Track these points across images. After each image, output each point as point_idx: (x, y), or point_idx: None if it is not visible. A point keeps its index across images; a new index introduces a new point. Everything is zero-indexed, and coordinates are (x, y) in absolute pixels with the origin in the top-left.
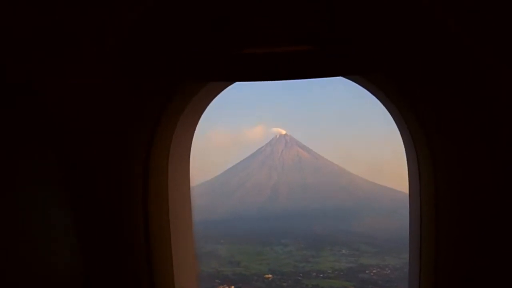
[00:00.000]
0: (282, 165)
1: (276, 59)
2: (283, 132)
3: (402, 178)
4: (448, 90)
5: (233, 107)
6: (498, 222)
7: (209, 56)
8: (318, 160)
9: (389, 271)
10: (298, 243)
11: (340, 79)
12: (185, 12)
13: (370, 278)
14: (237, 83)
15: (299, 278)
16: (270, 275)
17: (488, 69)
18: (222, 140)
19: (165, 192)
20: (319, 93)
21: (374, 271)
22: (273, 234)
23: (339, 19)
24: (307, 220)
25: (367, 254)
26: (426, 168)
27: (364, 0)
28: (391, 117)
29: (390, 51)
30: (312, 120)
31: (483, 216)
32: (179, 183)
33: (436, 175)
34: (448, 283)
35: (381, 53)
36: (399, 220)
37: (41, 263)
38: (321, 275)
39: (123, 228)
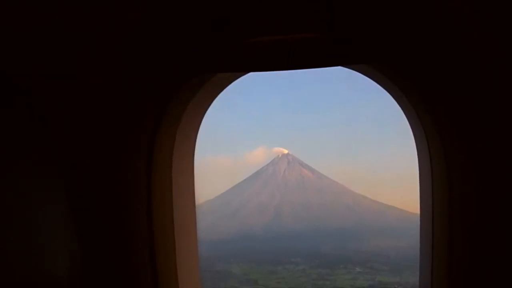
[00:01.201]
0: (285, 185)
1: (283, 47)
2: (285, 151)
3: (406, 197)
4: (464, 90)
5: (231, 132)
6: None
7: (215, 47)
8: (321, 179)
9: None
10: (309, 262)
11: (344, 95)
12: (189, 4)
13: None
14: (234, 106)
15: None
16: None
17: (502, 64)
18: (222, 164)
19: (169, 189)
20: (321, 111)
21: None
22: (282, 253)
23: (347, 6)
24: (313, 239)
25: (383, 272)
26: (440, 183)
27: None
28: (394, 133)
29: (402, 41)
30: (314, 139)
31: (500, 233)
32: (183, 182)
33: (451, 188)
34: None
35: (393, 42)
36: (407, 239)
37: (39, 264)
38: None
39: (124, 230)
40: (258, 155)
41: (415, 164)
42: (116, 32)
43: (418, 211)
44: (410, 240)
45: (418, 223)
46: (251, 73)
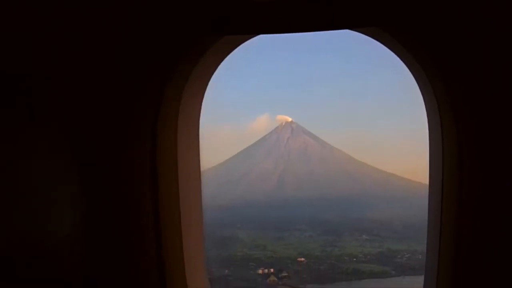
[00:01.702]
0: (288, 153)
1: (292, 8)
2: (289, 119)
3: (409, 166)
4: (479, 60)
5: (235, 99)
6: None
7: (222, 7)
8: (324, 147)
9: (420, 256)
10: (315, 229)
11: (348, 58)
12: None
13: (405, 263)
14: (238, 72)
15: (332, 262)
16: (302, 259)
17: None
18: (225, 131)
19: (174, 155)
20: (325, 79)
21: (406, 256)
22: (287, 220)
23: None
24: (316, 207)
25: (390, 240)
26: (450, 135)
27: None
28: (397, 107)
29: (415, 4)
30: (317, 108)
31: (509, 201)
32: (188, 148)
33: (461, 161)
34: (468, 274)
35: (406, 4)
36: (411, 207)
37: (42, 223)
38: (354, 259)
39: (129, 193)
40: (262, 123)
41: (419, 133)
42: None
43: (422, 180)
44: (414, 209)
45: (422, 192)
46: (255, 39)
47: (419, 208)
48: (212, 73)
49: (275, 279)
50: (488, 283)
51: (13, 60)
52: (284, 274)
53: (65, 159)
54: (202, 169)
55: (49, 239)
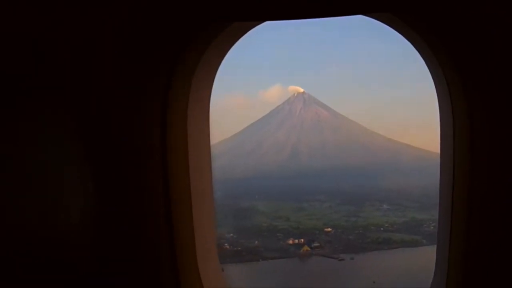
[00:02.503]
0: (300, 124)
1: None
2: (301, 90)
3: (422, 136)
4: (490, 36)
5: (247, 69)
6: None
7: None
8: (337, 118)
9: None
10: (333, 199)
11: (362, 31)
12: None
13: (433, 232)
14: (248, 43)
15: (360, 232)
16: (330, 229)
17: None
18: (237, 102)
19: (184, 133)
20: (337, 49)
21: (432, 225)
22: (303, 191)
23: None
24: (331, 177)
25: (412, 209)
26: (461, 123)
27: None
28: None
29: None
30: (330, 78)
31: None
32: (198, 126)
33: (472, 128)
34: (480, 243)
35: None
36: (426, 177)
37: (53, 206)
38: (381, 229)
39: (140, 171)
40: (274, 94)
41: (431, 104)
42: None
43: (434, 149)
44: (431, 178)
45: (435, 161)
46: None
47: (436, 177)
48: (221, 60)
49: (308, 249)
50: (500, 250)
51: (19, 42)
52: (316, 244)
53: (75, 143)
54: (214, 141)
55: (61, 224)
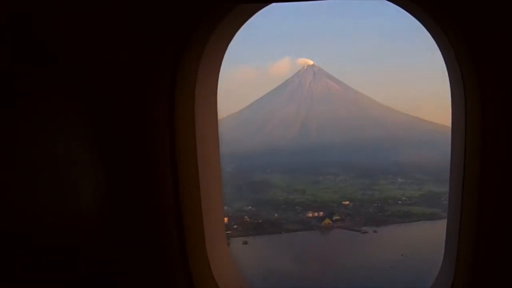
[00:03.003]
0: (310, 97)
1: None
2: (311, 62)
3: (436, 109)
4: (503, 15)
5: (255, 40)
6: None
7: None
8: (347, 91)
9: None
10: (347, 172)
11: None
12: None
13: None
14: (257, 16)
15: (378, 205)
16: (347, 202)
17: None
18: (246, 74)
19: (192, 121)
20: (347, 20)
21: None
22: (316, 165)
23: None
24: (343, 151)
25: (427, 182)
26: (472, 99)
27: None
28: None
29: None
30: (340, 50)
31: None
32: (206, 111)
33: (484, 104)
34: (492, 218)
35: None
36: (439, 151)
37: (63, 194)
38: (400, 202)
39: (148, 153)
40: (283, 66)
41: (441, 77)
42: None
43: (445, 122)
44: (443, 151)
45: (446, 135)
46: None
47: (448, 150)
48: (228, 42)
49: (330, 222)
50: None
51: (27, 27)
52: (337, 217)
53: (83, 127)
54: (223, 116)
55: (69, 222)
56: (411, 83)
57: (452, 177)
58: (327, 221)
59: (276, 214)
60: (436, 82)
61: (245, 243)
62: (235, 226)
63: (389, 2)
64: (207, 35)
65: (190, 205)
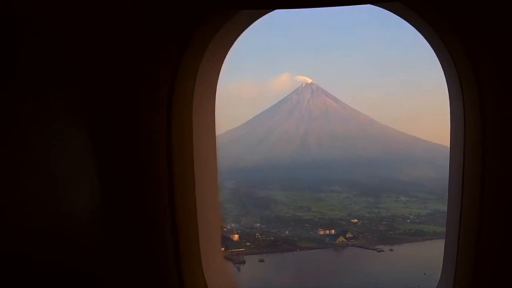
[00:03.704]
0: (309, 114)
1: None
2: (309, 80)
3: (431, 129)
4: (503, 22)
5: (255, 57)
6: None
7: None
8: (345, 109)
9: None
10: (349, 190)
11: (369, 21)
12: None
13: None
14: (258, 30)
15: (387, 223)
16: (356, 220)
17: None
18: (246, 90)
19: (189, 126)
20: (344, 40)
21: None
22: (317, 181)
23: None
24: (342, 168)
25: (431, 201)
26: (472, 113)
27: None
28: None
29: None
30: (337, 68)
31: None
32: (204, 120)
33: (484, 118)
34: (491, 240)
35: None
36: (437, 170)
37: (58, 203)
38: (408, 221)
39: (144, 166)
40: (282, 83)
41: (439, 95)
42: None
43: (443, 142)
44: (442, 170)
45: (444, 154)
46: None
47: (446, 170)
48: (228, 49)
49: (344, 239)
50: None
51: (25, 27)
52: (349, 235)
53: (79, 130)
54: (223, 131)
55: (65, 223)
56: (409, 102)
57: (450, 194)
58: (341, 239)
59: (286, 232)
60: (435, 102)
61: (262, 261)
62: (248, 244)
63: (389, 18)
64: (206, 41)
65: (185, 210)
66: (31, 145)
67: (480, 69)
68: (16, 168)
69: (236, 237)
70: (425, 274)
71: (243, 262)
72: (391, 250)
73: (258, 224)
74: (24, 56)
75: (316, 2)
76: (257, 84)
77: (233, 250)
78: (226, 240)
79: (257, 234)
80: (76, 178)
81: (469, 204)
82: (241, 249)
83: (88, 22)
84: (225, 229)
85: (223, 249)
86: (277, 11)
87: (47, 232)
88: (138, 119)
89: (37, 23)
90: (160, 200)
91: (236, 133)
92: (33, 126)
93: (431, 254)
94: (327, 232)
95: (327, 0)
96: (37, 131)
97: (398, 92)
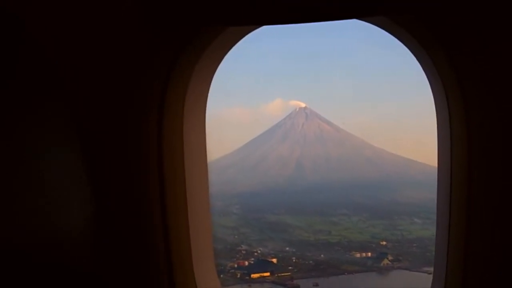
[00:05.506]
0: (304, 138)
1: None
2: (303, 105)
3: (425, 151)
4: (488, 37)
5: (247, 83)
6: None
7: None
8: (339, 133)
9: None
10: (358, 213)
11: (360, 46)
12: None
13: None
14: (248, 57)
15: (419, 244)
16: (385, 242)
17: None
18: (239, 116)
19: (180, 146)
20: (335, 66)
21: None
22: (322, 205)
23: None
24: (343, 192)
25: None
26: (458, 125)
27: None
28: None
29: None
30: (330, 92)
31: None
32: (194, 138)
33: (469, 129)
34: (478, 260)
35: None
36: (434, 192)
37: (51, 219)
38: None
39: (135, 187)
40: (275, 108)
41: (430, 117)
42: None
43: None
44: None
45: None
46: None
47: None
48: (217, 65)
49: (389, 262)
50: (499, 260)
51: (19, 39)
52: (390, 257)
53: (69, 136)
54: (218, 155)
55: (57, 226)
56: (402, 124)
57: (438, 214)
58: (385, 261)
59: (322, 255)
60: (430, 125)
61: (316, 285)
62: (290, 267)
63: (381, 39)
64: (196, 57)
65: (176, 214)
66: (21, 150)
67: (465, 81)
68: (10, 175)
69: (275, 260)
70: None
71: (298, 287)
72: None
73: (287, 248)
74: (13, 62)
75: (301, 18)
76: (249, 110)
77: (279, 274)
78: (267, 264)
79: (294, 258)
80: (67, 187)
81: (457, 226)
82: (287, 274)
83: (76, 33)
84: (255, 253)
85: (268, 274)
86: (266, 34)
87: (38, 238)
88: (129, 135)
89: (29, 29)
90: (151, 206)
91: (231, 158)
92: (25, 134)
93: None
94: (363, 255)
95: (312, 15)
96: (29, 139)
97: (391, 116)
